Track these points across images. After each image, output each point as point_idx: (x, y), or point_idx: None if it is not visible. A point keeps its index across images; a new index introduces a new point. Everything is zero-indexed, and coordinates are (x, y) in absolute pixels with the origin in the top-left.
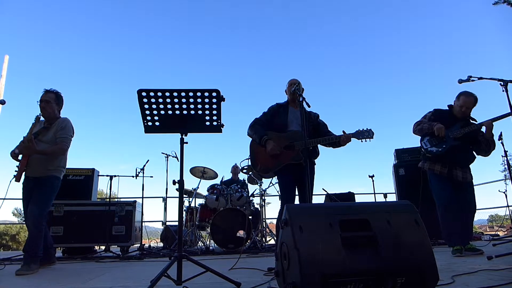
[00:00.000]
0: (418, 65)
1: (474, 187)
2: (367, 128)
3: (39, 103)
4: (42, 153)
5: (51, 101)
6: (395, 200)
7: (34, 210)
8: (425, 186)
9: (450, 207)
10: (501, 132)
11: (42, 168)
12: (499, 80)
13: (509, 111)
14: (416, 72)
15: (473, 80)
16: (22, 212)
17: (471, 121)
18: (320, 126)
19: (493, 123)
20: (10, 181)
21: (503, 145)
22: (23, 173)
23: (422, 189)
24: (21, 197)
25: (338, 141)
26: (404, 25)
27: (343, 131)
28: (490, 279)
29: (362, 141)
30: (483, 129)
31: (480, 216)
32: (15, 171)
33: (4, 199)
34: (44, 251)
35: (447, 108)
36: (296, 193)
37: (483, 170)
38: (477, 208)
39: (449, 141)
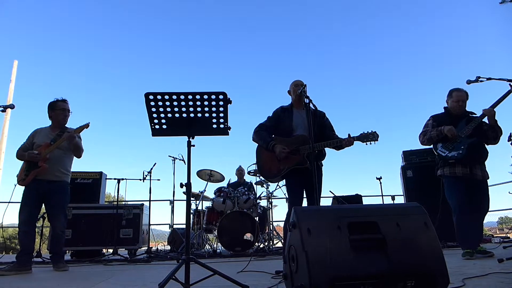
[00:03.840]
0: (425, 66)
1: None
2: (371, 131)
3: (58, 111)
4: (77, 145)
5: (70, 110)
6: (403, 202)
7: (61, 217)
8: (444, 192)
9: (466, 211)
10: (510, 133)
11: (57, 171)
12: (508, 80)
13: (508, 90)
14: (424, 73)
15: (481, 81)
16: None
17: (472, 115)
18: (326, 129)
19: (495, 109)
20: (16, 185)
21: None
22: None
23: (442, 197)
24: (22, 200)
25: (341, 144)
26: (411, 26)
27: (349, 134)
28: (501, 282)
29: (366, 144)
30: (485, 118)
31: (489, 218)
32: (25, 175)
33: (9, 202)
34: (28, 256)
35: (443, 111)
36: (304, 195)
37: (493, 171)
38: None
39: (464, 141)
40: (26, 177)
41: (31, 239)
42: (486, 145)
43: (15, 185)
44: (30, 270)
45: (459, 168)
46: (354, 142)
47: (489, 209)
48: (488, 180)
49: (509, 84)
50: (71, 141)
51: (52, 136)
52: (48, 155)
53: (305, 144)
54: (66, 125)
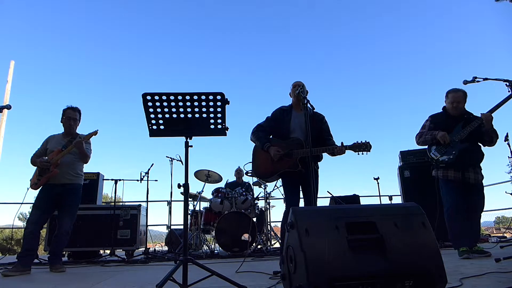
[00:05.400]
0: (423, 66)
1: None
2: (364, 141)
3: (64, 118)
4: (84, 153)
5: (77, 118)
6: (400, 202)
7: (68, 221)
8: (440, 193)
9: (458, 210)
10: (507, 133)
11: (69, 175)
12: (504, 80)
13: (508, 95)
14: (421, 73)
15: (478, 81)
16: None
17: (470, 116)
18: (323, 133)
19: (492, 114)
20: (28, 188)
21: (509, 146)
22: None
23: (438, 198)
24: (34, 202)
25: (333, 151)
26: (409, 26)
27: (342, 143)
28: (499, 281)
29: (358, 154)
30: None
31: (486, 218)
32: (38, 179)
33: (21, 203)
34: (30, 257)
35: (442, 111)
36: (301, 195)
37: (489, 171)
38: (484, 209)
39: (456, 146)
40: (39, 181)
41: (36, 240)
42: (482, 146)
43: (28, 189)
44: (29, 271)
45: (451, 172)
46: (346, 151)
47: (486, 209)
48: (482, 181)
49: (505, 84)
50: (79, 148)
51: (64, 142)
52: (59, 161)
53: (300, 148)
54: (76, 132)
